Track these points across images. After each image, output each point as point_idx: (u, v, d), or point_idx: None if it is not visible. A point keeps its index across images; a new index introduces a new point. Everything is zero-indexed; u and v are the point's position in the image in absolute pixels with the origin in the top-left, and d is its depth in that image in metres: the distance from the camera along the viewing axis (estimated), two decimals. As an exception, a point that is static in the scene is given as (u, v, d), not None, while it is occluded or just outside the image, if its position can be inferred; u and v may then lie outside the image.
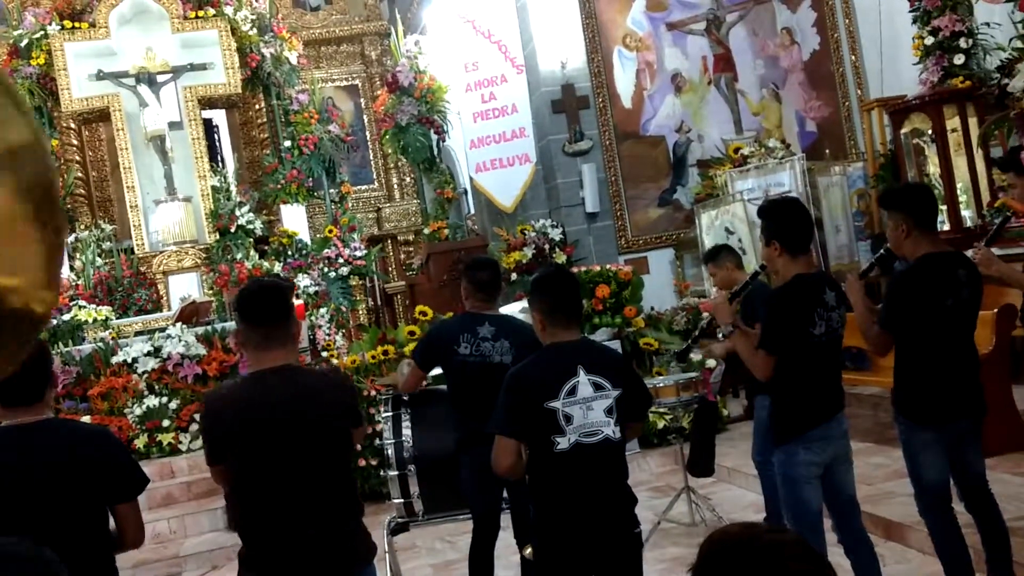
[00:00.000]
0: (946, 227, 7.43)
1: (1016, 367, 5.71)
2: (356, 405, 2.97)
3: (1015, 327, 5.45)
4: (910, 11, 8.41)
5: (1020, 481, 4.83)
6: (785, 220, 3.47)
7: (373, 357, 7.21)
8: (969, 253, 3.80)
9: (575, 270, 8.35)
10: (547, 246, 9.46)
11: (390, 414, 4.34)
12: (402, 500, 4.31)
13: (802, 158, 9.17)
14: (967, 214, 7.68)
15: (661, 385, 5.29)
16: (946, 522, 3.54)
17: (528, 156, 9.93)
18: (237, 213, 10.73)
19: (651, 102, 10.32)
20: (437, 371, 4.30)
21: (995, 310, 5.33)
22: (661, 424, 7.11)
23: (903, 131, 8.15)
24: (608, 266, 7.98)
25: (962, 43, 7.94)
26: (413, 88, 9.87)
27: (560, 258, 9.25)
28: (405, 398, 4.40)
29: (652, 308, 8.26)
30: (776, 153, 9.24)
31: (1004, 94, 6.21)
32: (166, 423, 7.85)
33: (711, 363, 7.28)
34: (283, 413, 2.62)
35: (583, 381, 2.87)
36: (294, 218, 11.74)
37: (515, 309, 4.85)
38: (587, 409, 2.87)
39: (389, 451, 4.29)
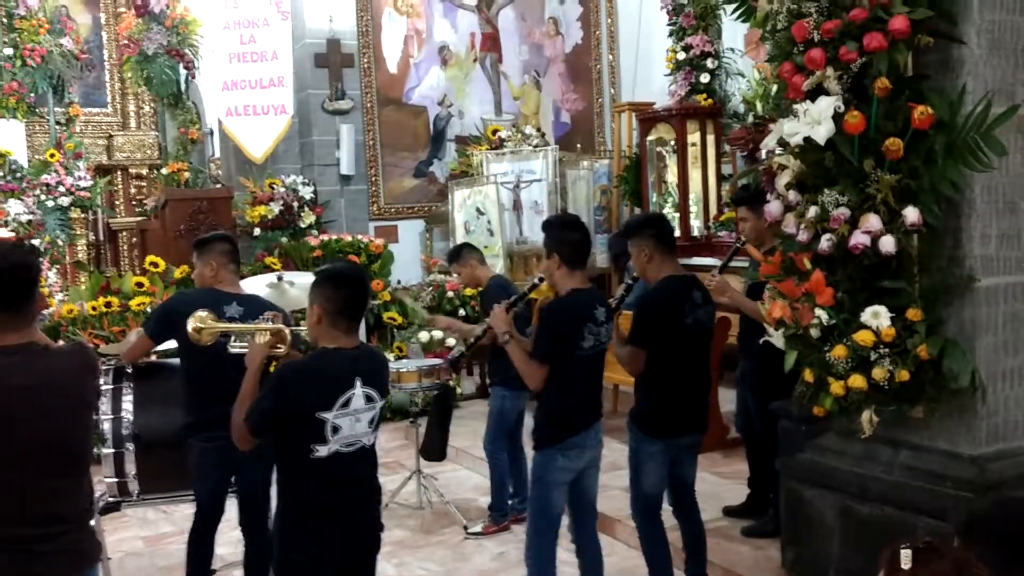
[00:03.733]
0: (676, 234, 7.99)
1: (721, 372, 6.28)
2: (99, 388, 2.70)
3: (726, 337, 5.99)
4: (668, 23, 8.93)
5: (717, 480, 5.34)
6: (567, 236, 3.59)
7: (94, 308, 6.62)
8: (705, 280, 4.11)
9: (324, 237, 8.15)
10: (296, 204, 9.11)
11: (111, 387, 3.99)
12: (116, 480, 4.00)
13: (555, 148, 9.50)
14: (696, 224, 8.32)
15: (404, 370, 5.29)
16: (655, 528, 3.86)
17: (284, 107, 9.44)
18: (-64, 121, 9.42)
19: (416, 71, 10.22)
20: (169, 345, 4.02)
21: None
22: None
23: (649, 138, 8.65)
24: (360, 237, 7.84)
25: (709, 63, 8.56)
26: (164, 16, 9.10)
27: (309, 218, 8.94)
28: (129, 370, 4.07)
29: (399, 281, 8.23)
30: (531, 140, 9.49)
31: (756, 148, 6.66)
32: None
33: (451, 342, 7.38)
34: (28, 401, 2.30)
35: (358, 393, 2.80)
36: (9, 135, 10.45)
37: (260, 284, 4.61)
38: (355, 421, 2.81)
39: (106, 427, 3.95)
